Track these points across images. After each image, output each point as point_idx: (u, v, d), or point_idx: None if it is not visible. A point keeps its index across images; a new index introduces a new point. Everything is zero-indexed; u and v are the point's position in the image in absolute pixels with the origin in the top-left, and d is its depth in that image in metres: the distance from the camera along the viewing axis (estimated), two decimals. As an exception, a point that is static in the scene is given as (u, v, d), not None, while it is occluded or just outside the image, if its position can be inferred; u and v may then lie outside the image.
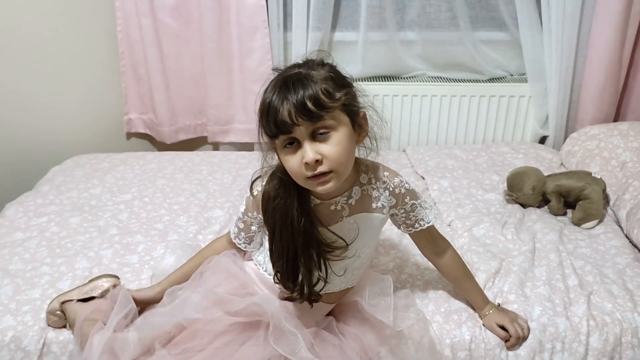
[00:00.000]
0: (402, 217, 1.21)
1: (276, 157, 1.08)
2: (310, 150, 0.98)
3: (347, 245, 1.13)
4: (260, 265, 1.23)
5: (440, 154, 2.12)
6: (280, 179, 1.09)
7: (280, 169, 1.10)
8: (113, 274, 1.37)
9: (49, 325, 1.26)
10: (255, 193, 1.16)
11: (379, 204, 1.17)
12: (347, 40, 2.27)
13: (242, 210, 1.22)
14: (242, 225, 1.23)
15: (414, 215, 1.21)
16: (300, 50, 2.15)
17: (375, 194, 1.16)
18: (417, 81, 2.32)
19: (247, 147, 2.38)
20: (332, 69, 1.04)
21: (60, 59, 2.15)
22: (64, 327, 1.26)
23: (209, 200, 1.81)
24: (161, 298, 1.23)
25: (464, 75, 2.31)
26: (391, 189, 1.17)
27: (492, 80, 2.33)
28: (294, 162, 1.01)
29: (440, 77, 2.34)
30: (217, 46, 2.18)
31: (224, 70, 2.22)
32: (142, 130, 2.42)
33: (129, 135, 2.44)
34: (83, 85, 2.24)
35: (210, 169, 2.03)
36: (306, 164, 0.99)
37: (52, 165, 2.05)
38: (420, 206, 1.21)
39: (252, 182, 1.17)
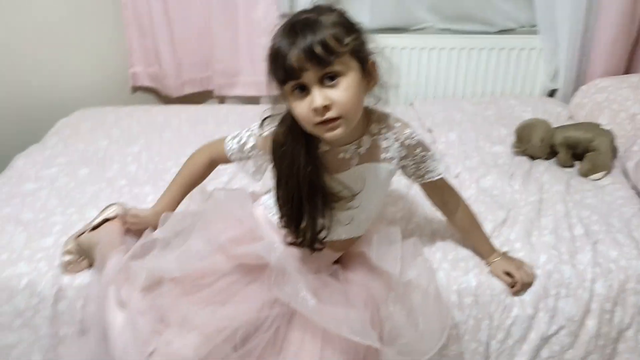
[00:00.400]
0: (412, 168, 1.21)
1: (285, 104, 1.07)
2: (318, 96, 0.98)
3: (353, 195, 1.13)
4: (269, 209, 1.24)
5: (448, 107, 2.11)
6: (289, 125, 1.09)
7: (290, 115, 1.09)
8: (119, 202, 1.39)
9: (66, 271, 1.28)
10: (265, 133, 1.16)
11: (388, 155, 1.16)
12: (355, -10, 2.23)
13: (250, 145, 1.20)
14: (239, 149, 1.23)
15: (424, 167, 1.21)
16: (306, 2, 2.11)
17: (385, 144, 1.16)
18: (426, 33, 2.28)
19: (253, 100, 2.37)
20: (341, 14, 1.03)
21: (63, 12, 2.12)
22: (82, 270, 1.29)
23: (216, 152, 1.81)
24: (155, 220, 1.25)
25: (474, 27, 2.28)
26: (402, 139, 1.16)
27: (502, 32, 2.29)
28: (302, 108, 1.00)
29: (450, 29, 2.30)
30: (222, -3, 2.15)
31: (229, 21, 2.19)
32: (147, 84, 2.40)
33: (134, 88, 2.43)
34: (87, 39, 2.22)
35: (217, 122, 2.03)
36: (315, 109, 0.98)
37: (59, 118, 2.05)
38: (431, 158, 1.21)
39: (263, 120, 1.16)
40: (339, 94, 0.99)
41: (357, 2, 2.22)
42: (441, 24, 2.32)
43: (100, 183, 1.62)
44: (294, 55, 0.96)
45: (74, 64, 2.22)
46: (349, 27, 1.01)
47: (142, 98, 2.45)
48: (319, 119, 0.99)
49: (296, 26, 0.98)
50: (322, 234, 1.14)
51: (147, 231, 1.27)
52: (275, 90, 1.06)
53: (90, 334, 1.19)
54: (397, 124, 1.16)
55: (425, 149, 1.20)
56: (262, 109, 1.18)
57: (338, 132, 1.02)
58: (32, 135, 1.94)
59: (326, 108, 0.98)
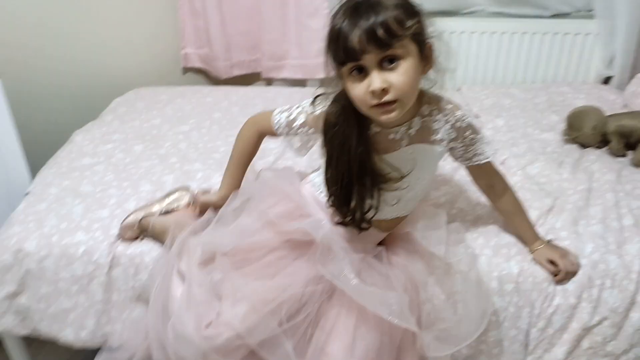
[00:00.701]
0: (460, 150, 1.21)
1: (340, 84, 1.08)
2: (377, 79, 0.99)
3: (402, 177, 1.14)
4: (316, 187, 1.26)
5: (497, 93, 2.07)
6: (343, 106, 1.10)
7: (343, 96, 1.10)
8: (184, 186, 1.46)
9: (123, 239, 1.36)
10: (317, 112, 1.17)
11: (438, 137, 1.16)
12: (405, -27, 2.21)
13: (300, 122, 1.21)
14: (287, 124, 1.23)
15: (472, 149, 1.21)
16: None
17: (435, 125, 1.16)
18: (477, 17, 2.24)
19: (300, 83, 2.39)
20: None
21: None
22: (135, 239, 1.36)
23: (263, 133, 1.85)
24: (222, 203, 1.29)
25: (527, 11, 2.22)
26: (452, 122, 1.16)
27: (556, 16, 2.23)
28: (359, 90, 1.01)
29: (501, 13, 2.25)
30: (272, -21, 2.17)
31: (278, 3, 2.22)
32: (198, 65, 2.46)
33: (185, 69, 2.49)
34: (142, 20, 2.28)
35: (265, 103, 2.07)
36: (372, 92, 0.99)
37: (115, 97, 2.13)
38: (480, 141, 1.21)
39: (315, 98, 1.18)
40: (397, 78, 1.00)
41: (407, -16, 2.20)
42: (493, 7, 2.27)
43: (153, 159, 1.68)
44: (355, 36, 0.97)
45: (129, 45, 2.29)
46: (410, 10, 1.02)
47: (192, 79, 2.51)
48: (375, 101, 1.01)
49: (358, 7, 0.98)
50: (370, 214, 1.16)
51: (208, 210, 1.33)
52: (330, 71, 1.07)
53: (152, 306, 1.24)
54: (449, 106, 1.16)
55: (475, 131, 1.19)
56: (309, 91, 1.20)
57: (393, 115, 1.03)
58: (90, 113, 2.03)
59: (384, 91, 1.00)
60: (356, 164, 1.11)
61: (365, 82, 1.00)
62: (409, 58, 1.01)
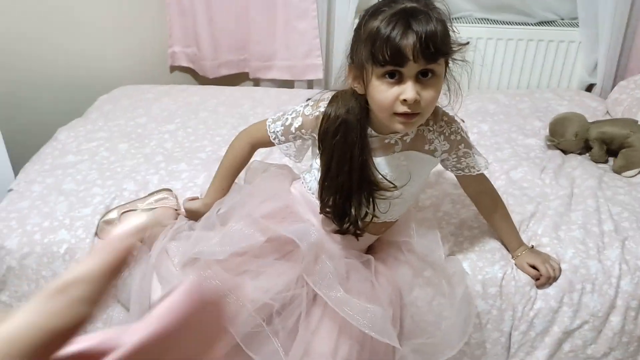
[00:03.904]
0: (453, 161, 1.22)
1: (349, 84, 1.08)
2: (412, 89, 0.98)
3: (395, 187, 1.14)
4: (306, 183, 1.25)
5: (482, 98, 2.09)
6: (347, 110, 1.10)
7: (348, 97, 1.10)
8: (167, 187, 1.45)
9: (99, 237, 1.35)
10: (316, 113, 1.16)
11: (432, 147, 1.17)
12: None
13: (297, 125, 1.19)
14: (284, 132, 1.21)
15: (465, 162, 1.22)
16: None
17: (430, 136, 1.16)
18: (463, 22, 2.27)
19: (287, 84, 2.40)
20: (445, 13, 1.02)
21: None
22: None
23: (250, 134, 1.84)
24: (206, 210, 1.27)
25: (513, 18, 2.25)
26: (447, 134, 1.17)
27: (541, 23, 2.26)
28: (388, 95, 1.00)
29: (488, 19, 2.28)
30: (261, -20, 2.17)
31: (267, 4, 2.22)
32: (185, 64, 2.45)
33: (173, 68, 2.48)
34: (129, 18, 2.27)
35: (252, 104, 2.06)
36: (405, 100, 0.99)
37: (100, 94, 2.11)
38: (473, 154, 1.22)
39: (308, 100, 1.18)
40: (428, 93, 1.00)
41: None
42: (480, 14, 2.30)
43: (138, 158, 1.67)
44: (409, 43, 0.95)
45: (116, 43, 2.28)
46: (448, 28, 1.01)
47: (179, 78, 2.50)
48: (403, 109, 1.00)
49: (413, 13, 0.97)
50: (367, 220, 1.17)
51: (181, 216, 1.32)
52: (348, 67, 1.06)
53: (133, 310, 1.23)
54: (445, 118, 1.17)
55: (468, 145, 1.21)
56: (297, 93, 1.20)
57: (410, 126, 1.05)
58: (75, 110, 2.01)
59: (415, 102, 0.99)
60: (357, 173, 1.11)
61: (396, 89, 1.00)
62: (440, 76, 1.02)
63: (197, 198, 1.38)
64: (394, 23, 0.96)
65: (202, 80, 2.47)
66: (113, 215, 1.35)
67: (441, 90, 1.05)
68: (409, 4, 0.99)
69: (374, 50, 0.98)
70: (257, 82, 2.47)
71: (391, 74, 1.00)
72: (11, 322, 0.24)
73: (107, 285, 0.25)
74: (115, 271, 0.26)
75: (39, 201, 1.46)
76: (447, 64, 1.04)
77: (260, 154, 1.67)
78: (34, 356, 0.23)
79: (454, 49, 1.02)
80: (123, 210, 1.36)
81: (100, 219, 1.37)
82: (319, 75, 2.31)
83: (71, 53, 2.18)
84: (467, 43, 1.04)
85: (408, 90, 0.98)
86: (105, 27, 2.23)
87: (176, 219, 1.34)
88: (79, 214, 1.42)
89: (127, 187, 1.53)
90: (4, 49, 2.00)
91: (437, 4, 1.02)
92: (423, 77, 1.00)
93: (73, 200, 1.47)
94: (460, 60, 1.06)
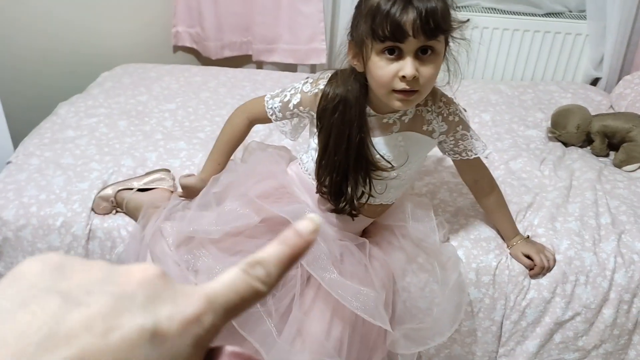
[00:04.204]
0: (450, 143, 1.21)
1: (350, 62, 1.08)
2: (411, 66, 0.98)
3: (393, 167, 1.14)
4: (303, 164, 1.25)
5: (484, 88, 2.08)
6: (347, 89, 1.09)
7: (348, 76, 1.10)
8: (166, 168, 1.45)
9: (95, 212, 1.35)
10: (314, 91, 1.16)
11: (430, 127, 1.17)
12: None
13: (295, 102, 1.19)
14: (282, 108, 1.21)
15: (462, 144, 1.21)
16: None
17: (428, 116, 1.16)
18: (471, 11, 2.25)
19: (290, 68, 2.38)
20: None
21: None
22: (109, 213, 1.35)
23: (250, 115, 1.84)
24: (202, 186, 1.26)
25: (520, 8, 2.23)
26: (445, 114, 1.17)
27: (549, 15, 2.24)
28: (387, 71, 1.00)
29: (495, 9, 2.26)
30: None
31: (272, -14, 2.20)
32: (188, 44, 2.44)
33: (176, 48, 2.47)
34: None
35: (254, 86, 2.06)
36: (403, 77, 0.99)
37: (102, 71, 2.11)
38: (471, 137, 1.21)
39: (307, 78, 1.17)
40: (427, 70, 1.00)
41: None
42: (487, 3, 2.27)
43: (138, 136, 1.67)
44: (410, 17, 0.95)
45: (120, 21, 2.26)
46: (449, 7, 1.01)
47: (182, 58, 2.49)
48: (402, 86, 1.00)
49: None
50: (363, 200, 1.16)
51: (173, 196, 1.31)
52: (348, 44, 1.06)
53: None
54: (443, 99, 1.17)
55: (466, 127, 1.20)
56: (299, 77, 1.19)
57: (408, 104, 1.04)
58: (77, 86, 2.00)
59: (414, 79, 0.99)
60: (354, 152, 1.11)
61: (396, 65, 0.99)
62: (440, 54, 1.02)
63: (193, 175, 1.38)
64: None
65: (205, 61, 2.46)
66: (109, 191, 1.35)
67: (440, 69, 1.05)
68: None
69: (374, 26, 0.98)
70: (260, 65, 2.46)
71: (390, 50, 0.99)
72: (217, 281, 0.27)
73: (284, 272, 0.28)
74: (293, 260, 0.28)
75: (36, 174, 1.47)
76: (447, 43, 1.04)
77: (259, 135, 1.67)
78: (225, 318, 0.26)
79: (454, 26, 1.01)
80: (119, 188, 1.36)
81: (97, 194, 1.37)
82: (322, 60, 2.30)
83: (75, 28, 2.17)
84: (468, 20, 1.03)
85: (407, 66, 0.98)
86: (110, 4, 2.21)
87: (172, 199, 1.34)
88: (76, 188, 1.42)
89: (125, 163, 1.53)
90: (8, 21, 2.00)
91: None
92: (423, 54, 1.00)
93: (70, 175, 1.47)
94: (460, 39, 1.05)
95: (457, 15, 1.03)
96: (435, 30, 0.97)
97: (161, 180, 1.38)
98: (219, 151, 1.32)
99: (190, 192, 1.31)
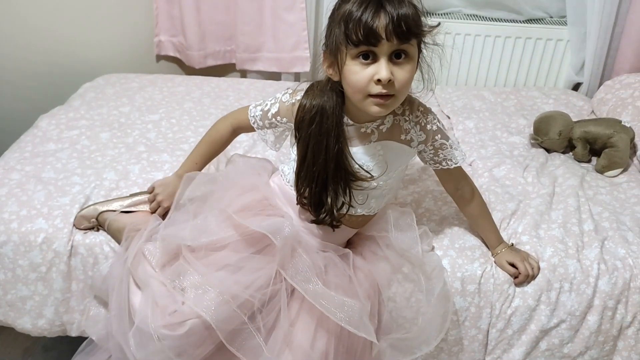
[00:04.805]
0: (430, 153, 1.22)
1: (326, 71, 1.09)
2: (386, 69, 0.99)
3: (372, 176, 1.15)
4: (284, 176, 1.26)
5: (468, 95, 2.09)
6: (323, 99, 1.10)
7: (324, 86, 1.11)
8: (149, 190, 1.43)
9: (76, 227, 1.33)
10: (292, 101, 1.17)
11: (408, 137, 1.17)
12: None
13: (273, 112, 1.21)
14: (262, 117, 1.24)
15: (442, 154, 1.22)
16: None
17: (406, 126, 1.17)
18: (452, 18, 2.26)
19: (274, 76, 2.38)
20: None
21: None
22: (90, 229, 1.34)
23: (234, 125, 1.83)
24: (177, 183, 1.29)
25: (502, 15, 2.25)
26: (423, 124, 1.17)
27: (530, 21, 2.26)
28: (362, 76, 1.01)
29: (477, 15, 2.28)
30: (249, -30, 2.15)
31: (255, -5, 2.20)
32: (171, 54, 2.42)
33: (159, 57, 2.45)
34: (115, 5, 2.24)
35: (238, 95, 2.05)
36: (378, 80, 1.00)
37: (84, 82, 2.08)
38: (450, 147, 1.22)
39: (296, 89, 1.18)
40: (402, 74, 1.02)
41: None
42: (469, 10, 2.29)
43: (120, 148, 1.65)
44: (382, 21, 0.97)
45: (101, 30, 2.24)
46: (420, 13, 1.03)
47: (165, 67, 2.47)
48: (377, 90, 1.01)
49: None
50: (343, 211, 1.17)
51: (154, 216, 1.30)
52: (325, 55, 1.07)
53: (113, 314, 1.22)
54: (421, 108, 1.18)
55: (445, 137, 1.21)
56: (283, 85, 1.20)
57: (385, 108, 1.05)
58: (58, 97, 1.98)
59: (389, 82, 1.00)
60: (333, 162, 1.11)
61: (370, 69, 1.01)
62: (413, 59, 1.03)
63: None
64: (367, 4, 0.99)
65: (188, 70, 2.45)
66: (90, 211, 1.34)
67: (414, 75, 1.06)
68: None
69: (347, 32, 1.00)
70: (243, 74, 2.45)
71: (365, 56, 1.01)
72: None
73: None
74: None
75: (17, 189, 1.44)
76: (420, 49, 1.05)
77: (243, 146, 1.66)
78: None
79: (425, 30, 1.03)
80: (101, 209, 1.34)
81: (78, 212, 1.35)
82: (306, 68, 2.30)
83: (56, 39, 2.15)
84: (439, 24, 1.05)
85: (382, 69, 1.00)
86: (91, 14, 2.19)
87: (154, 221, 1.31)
88: (57, 203, 1.40)
89: (107, 176, 1.51)
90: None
91: None
92: (397, 59, 1.01)
93: (52, 189, 1.45)
94: (433, 44, 1.07)
95: (428, 21, 1.05)
96: (407, 34, 0.98)
97: (145, 204, 1.37)
98: (199, 152, 1.34)
99: (164, 189, 1.32)
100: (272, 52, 2.31)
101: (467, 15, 2.28)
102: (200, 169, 1.34)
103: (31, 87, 2.12)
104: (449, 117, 1.96)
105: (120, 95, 1.97)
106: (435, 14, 2.28)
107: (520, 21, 2.25)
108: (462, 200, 1.32)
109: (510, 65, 2.28)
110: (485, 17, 2.27)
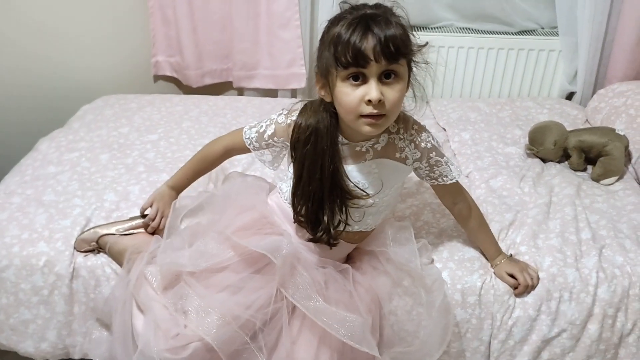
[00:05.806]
0: (425, 170, 1.24)
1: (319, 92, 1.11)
2: (376, 90, 1.01)
3: (367, 194, 1.16)
4: (282, 194, 1.27)
5: (463, 107, 2.11)
6: (317, 120, 1.12)
7: (318, 107, 1.13)
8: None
9: (77, 250, 1.34)
10: (287, 121, 1.19)
11: (403, 155, 1.19)
12: (375, -13, 2.24)
13: (269, 133, 1.23)
14: (257, 138, 1.26)
15: (437, 170, 1.23)
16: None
17: (400, 144, 1.18)
18: (445, 32, 2.29)
19: (271, 93, 2.40)
20: (404, 19, 1.06)
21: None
22: (91, 252, 1.35)
23: (232, 143, 1.84)
24: (170, 194, 1.37)
25: (493, 27, 2.27)
26: (417, 142, 1.19)
27: (521, 32, 2.28)
28: (353, 97, 1.03)
29: (469, 28, 2.30)
30: (244, -11, 2.18)
31: (250, 14, 2.23)
32: (168, 73, 2.45)
33: (156, 77, 2.48)
34: (112, 27, 2.26)
35: (235, 113, 2.07)
36: (369, 101, 1.02)
37: (83, 104, 2.10)
38: (445, 163, 1.23)
39: (290, 109, 1.20)
40: (392, 94, 1.03)
41: (377, -2, 2.24)
42: (461, 23, 2.32)
43: (120, 169, 1.66)
44: (370, 43, 0.99)
45: (99, 52, 2.26)
46: (408, 33, 1.05)
47: (163, 87, 2.49)
48: (368, 110, 1.03)
49: (372, 17, 1.01)
50: (340, 228, 1.18)
51: (155, 238, 1.32)
52: (316, 76, 1.10)
53: (116, 337, 1.22)
54: (415, 127, 1.19)
55: (440, 154, 1.22)
56: (280, 102, 1.22)
57: (377, 128, 1.06)
58: (57, 120, 2.00)
59: (380, 103, 1.02)
60: (328, 181, 1.13)
61: (361, 90, 1.03)
62: (403, 78, 1.05)
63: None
64: (354, 26, 1.01)
65: (186, 89, 2.47)
66: (90, 235, 1.35)
67: (405, 94, 1.08)
68: (369, 11, 1.03)
69: (336, 54, 1.02)
70: (240, 91, 2.47)
71: (355, 77, 1.03)
72: None
73: None
74: None
75: (18, 213, 1.45)
76: (409, 68, 1.07)
77: (241, 164, 1.68)
78: None
79: (414, 50, 1.05)
80: (102, 233, 1.35)
81: (79, 235, 1.36)
82: (302, 84, 2.32)
83: (54, 62, 2.17)
84: (427, 44, 1.07)
85: (372, 90, 1.01)
86: (88, 36, 2.22)
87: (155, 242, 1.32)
88: (59, 226, 1.41)
89: (107, 197, 1.52)
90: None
91: (397, 11, 1.06)
92: (386, 79, 1.03)
93: (53, 212, 1.46)
94: (423, 63, 1.09)
95: (417, 40, 1.07)
96: (395, 54, 1.00)
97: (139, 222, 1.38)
98: (191, 167, 1.38)
99: (162, 199, 1.36)
100: (268, 69, 2.33)
101: (459, 28, 2.31)
102: (189, 183, 1.38)
103: (30, 110, 2.14)
104: (444, 130, 1.98)
105: (119, 116, 1.99)
106: (428, 28, 2.31)
107: (512, 33, 2.27)
108: (459, 214, 1.34)
109: (504, 76, 2.30)
110: (478, 30, 2.29)
